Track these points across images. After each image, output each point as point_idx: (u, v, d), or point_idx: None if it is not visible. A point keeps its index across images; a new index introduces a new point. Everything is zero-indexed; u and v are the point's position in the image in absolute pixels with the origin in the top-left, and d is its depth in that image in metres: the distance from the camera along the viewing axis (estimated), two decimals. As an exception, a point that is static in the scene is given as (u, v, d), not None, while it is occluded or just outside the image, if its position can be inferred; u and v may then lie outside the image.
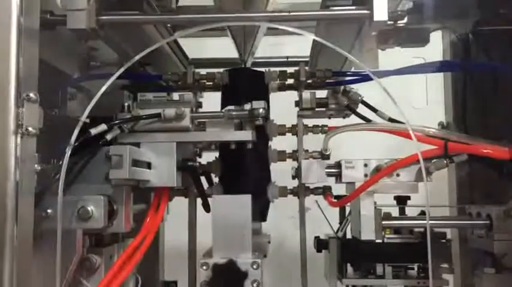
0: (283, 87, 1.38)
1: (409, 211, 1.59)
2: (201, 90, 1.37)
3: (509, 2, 1.56)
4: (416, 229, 1.57)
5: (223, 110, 1.20)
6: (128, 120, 1.12)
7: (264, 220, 1.33)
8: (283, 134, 1.38)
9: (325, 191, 1.43)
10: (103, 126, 1.04)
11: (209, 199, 1.22)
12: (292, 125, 1.38)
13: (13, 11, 0.84)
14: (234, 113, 1.19)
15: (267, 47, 1.66)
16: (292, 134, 1.40)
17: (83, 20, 0.99)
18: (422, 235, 1.55)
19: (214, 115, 1.20)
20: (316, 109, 1.37)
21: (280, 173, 1.41)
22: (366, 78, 1.41)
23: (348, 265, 1.54)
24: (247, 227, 1.04)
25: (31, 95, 0.83)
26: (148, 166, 1.14)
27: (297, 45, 1.75)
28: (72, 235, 1.02)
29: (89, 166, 1.04)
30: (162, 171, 1.14)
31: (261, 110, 1.18)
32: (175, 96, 1.27)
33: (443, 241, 1.53)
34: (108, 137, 1.06)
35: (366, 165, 1.38)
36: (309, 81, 1.38)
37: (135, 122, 1.13)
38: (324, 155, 1.37)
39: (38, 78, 0.87)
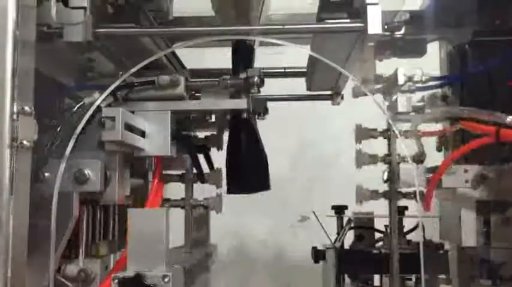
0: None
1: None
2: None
3: (505, 12, 1.57)
4: (414, 240, 1.57)
5: (218, 79, 1.19)
6: (122, 87, 1.11)
7: (268, 188, 1.29)
8: (375, 137, 1.40)
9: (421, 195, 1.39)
10: (96, 95, 1.05)
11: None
12: (383, 129, 1.40)
13: (9, 24, 0.85)
14: (229, 81, 1.17)
15: (264, 57, 1.67)
16: (384, 138, 1.41)
17: (80, 33, 1.00)
18: (419, 246, 1.55)
19: (209, 83, 1.19)
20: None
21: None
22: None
23: (346, 275, 1.55)
24: (161, 240, 1.02)
25: (26, 108, 0.83)
26: (143, 135, 1.13)
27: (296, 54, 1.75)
28: (68, 199, 1.01)
29: (83, 132, 1.02)
30: (156, 140, 1.13)
31: (255, 78, 1.18)
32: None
33: (441, 251, 1.54)
34: (102, 104, 1.05)
35: (465, 171, 1.35)
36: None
37: (129, 89, 1.13)
38: (418, 160, 1.36)
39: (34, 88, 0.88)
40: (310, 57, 1.65)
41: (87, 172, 1.00)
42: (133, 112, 1.12)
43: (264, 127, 1.54)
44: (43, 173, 0.96)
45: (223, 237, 2.47)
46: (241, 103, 1.17)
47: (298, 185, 2.72)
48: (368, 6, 1.02)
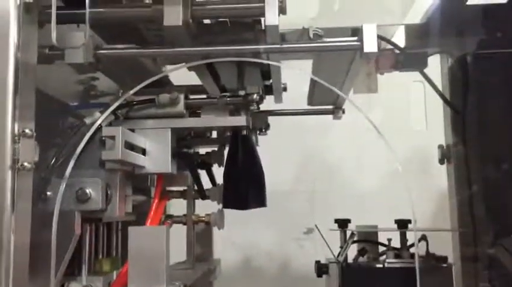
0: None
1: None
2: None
3: (506, 25, 1.58)
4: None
5: (217, 96, 1.20)
6: (122, 106, 1.13)
7: (264, 205, 1.29)
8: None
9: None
10: (97, 115, 1.06)
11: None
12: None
13: (10, 47, 0.87)
14: (228, 99, 1.19)
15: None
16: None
17: (81, 55, 1.02)
18: (423, 260, 1.55)
19: (208, 101, 1.21)
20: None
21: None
22: None
23: (349, 290, 1.56)
24: (161, 258, 1.03)
25: (27, 130, 0.85)
26: (143, 152, 1.15)
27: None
28: (70, 217, 1.01)
29: (84, 151, 1.03)
30: (157, 157, 1.15)
31: (255, 96, 1.19)
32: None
33: (445, 265, 1.54)
34: (103, 123, 1.06)
35: None
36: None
37: (129, 108, 1.15)
38: None
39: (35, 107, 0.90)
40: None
41: (88, 190, 1.01)
42: (133, 130, 1.13)
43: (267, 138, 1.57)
44: (45, 192, 0.97)
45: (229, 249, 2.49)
46: (240, 120, 1.19)
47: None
48: (364, 25, 1.03)
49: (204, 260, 1.50)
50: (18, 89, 0.86)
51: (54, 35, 0.93)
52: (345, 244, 1.65)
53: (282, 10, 1.01)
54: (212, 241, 1.54)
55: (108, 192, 1.05)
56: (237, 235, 2.49)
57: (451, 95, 1.78)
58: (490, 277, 1.46)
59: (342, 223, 1.69)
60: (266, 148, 1.67)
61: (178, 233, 1.39)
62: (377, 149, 1.50)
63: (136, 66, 1.25)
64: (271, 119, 1.64)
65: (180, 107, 1.15)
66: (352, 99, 1.51)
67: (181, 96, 1.15)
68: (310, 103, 1.63)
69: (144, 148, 1.14)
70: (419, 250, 1.59)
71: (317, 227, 1.68)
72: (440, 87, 1.79)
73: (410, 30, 1.60)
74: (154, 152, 1.15)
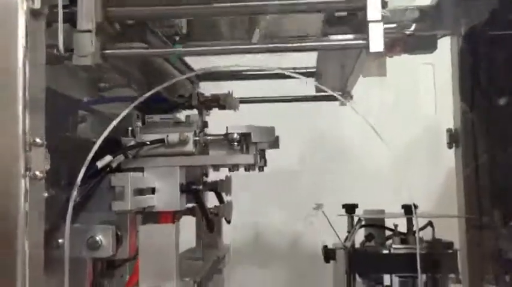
0: None
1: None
2: (206, 109, 1.40)
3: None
4: (424, 239, 1.59)
5: (225, 133, 1.22)
6: (132, 147, 1.16)
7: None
8: None
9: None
10: (109, 158, 1.08)
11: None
12: None
13: (19, 55, 0.88)
14: (235, 135, 1.21)
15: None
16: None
17: (89, 58, 1.02)
18: (429, 245, 1.57)
19: (217, 138, 1.23)
20: None
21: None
22: None
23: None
24: (171, 255, 1.07)
25: (37, 139, 0.87)
26: (153, 190, 1.17)
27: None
28: (82, 263, 1.06)
29: (94, 194, 1.08)
30: (166, 195, 1.17)
31: None
32: (182, 116, 1.31)
33: (450, 251, 1.56)
34: (113, 164, 1.10)
35: None
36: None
37: (139, 148, 1.17)
38: None
39: (46, 106, 0.91)
40: (319, 60, 1.66)
41: (99, 238, 1.05)
42: (143, 168, 1.16)
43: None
44: (57, 239, 1.00)
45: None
46: (248, 159, 1.21)
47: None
48: (370, 24, 1.02)
49: (213, 246, 1.53)
50: (28, 99, 0.87)
51: (61, 38, 0.93)
52: (352, 229, 1.67)
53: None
54: (221, 229, 1.57)
55: (119, 233, 1.08)
56: (247, 212, 2.51)
57: (461, 77, 1.76)
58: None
59: (350, 208, 1.71)
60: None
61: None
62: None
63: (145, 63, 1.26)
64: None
65: (190, 146, 1.17)
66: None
67: (191, 135, 1.17)
68: (317, 90, 1.63)
69: (153, 187, 1.17)
70: (425, 235, 1.61)
71: (323, 212, 1.70)
72: (450, 70, 1.78)
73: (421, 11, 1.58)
74: (163, 190, 1.17)
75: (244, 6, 1.05)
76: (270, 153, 1.30)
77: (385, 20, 1.05)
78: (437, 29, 1.73)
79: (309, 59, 1.66)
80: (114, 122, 1.05)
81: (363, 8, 1.03)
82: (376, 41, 1.02)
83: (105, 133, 1.04)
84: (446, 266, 1.53)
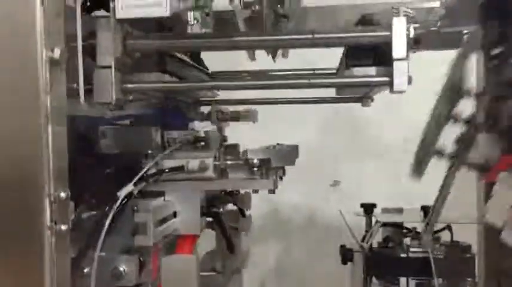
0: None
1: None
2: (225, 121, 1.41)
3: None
4: (441, 242, 1.61)
5: (245, 158, 1.22)
6: (153, 175, 1.17)
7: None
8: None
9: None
10: (131, 187, 1.10)
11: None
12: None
13: (42, 106, 0.88)
14: (255, 161, 1.21)
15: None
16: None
17: (109, 95, 1.02)
18: (447, 249, 1.59)
19: (236, 163, 1.23)
20: None
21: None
22: None
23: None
24: (192, 285, 1.10)
25: (62, 194, 0.88)
26: (175, 214, 1.20)
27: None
28: None
29: (117, 220, 1.08)
30: (187, 219, 1.20)
31: None
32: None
33: (468, 255, 1.58)
34: (135, 192, 1.11)
35: None
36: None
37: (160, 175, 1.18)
38: None
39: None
40: (341, 62, 1.63)
41: (122, 268, 1.07)
42: (163, 192, 1.18)
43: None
44: (82, 269, 1.02)
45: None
46: (267, 184, 1.21)
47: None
48: (395, 62, 1.00)
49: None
50: (52, 148, 0.88)
51: (82, 91, 0.93)
52: (369, 229, 1.69)
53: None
54: (241, 239, 1.59)
55: (141, 260, 1.10)
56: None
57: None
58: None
59: (368, 208, 1.72)
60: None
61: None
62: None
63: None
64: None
65: (209, 172, 1.18)
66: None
67: (210, 162, 1.17)
68: (338, 93, 1.61)
69: (175, 211, 1.19)
70: (444, 237, 1.62)
71: (340, 212, 1.71)
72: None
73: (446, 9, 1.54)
74: (184, 214, 1.19)
75: (272, 40, 1.04)
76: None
77: (411, 20, 1.04)
78: (463, 25, 1.68)
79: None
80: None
81: (388, 43, 1.00)
82: (400, 79, 1.00)
83: (140, 174, 1.07)
84: (463, 270, 1.55)
